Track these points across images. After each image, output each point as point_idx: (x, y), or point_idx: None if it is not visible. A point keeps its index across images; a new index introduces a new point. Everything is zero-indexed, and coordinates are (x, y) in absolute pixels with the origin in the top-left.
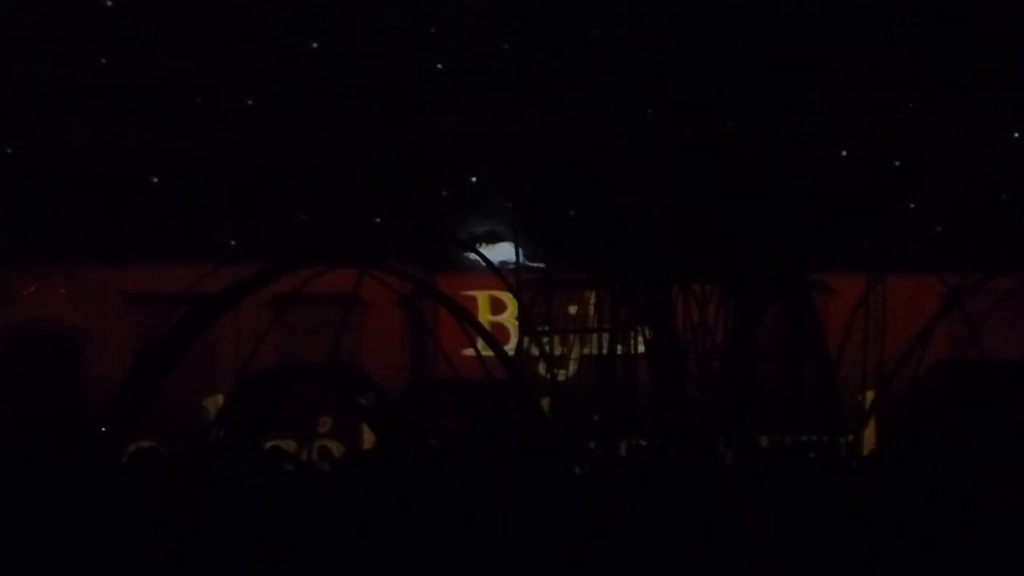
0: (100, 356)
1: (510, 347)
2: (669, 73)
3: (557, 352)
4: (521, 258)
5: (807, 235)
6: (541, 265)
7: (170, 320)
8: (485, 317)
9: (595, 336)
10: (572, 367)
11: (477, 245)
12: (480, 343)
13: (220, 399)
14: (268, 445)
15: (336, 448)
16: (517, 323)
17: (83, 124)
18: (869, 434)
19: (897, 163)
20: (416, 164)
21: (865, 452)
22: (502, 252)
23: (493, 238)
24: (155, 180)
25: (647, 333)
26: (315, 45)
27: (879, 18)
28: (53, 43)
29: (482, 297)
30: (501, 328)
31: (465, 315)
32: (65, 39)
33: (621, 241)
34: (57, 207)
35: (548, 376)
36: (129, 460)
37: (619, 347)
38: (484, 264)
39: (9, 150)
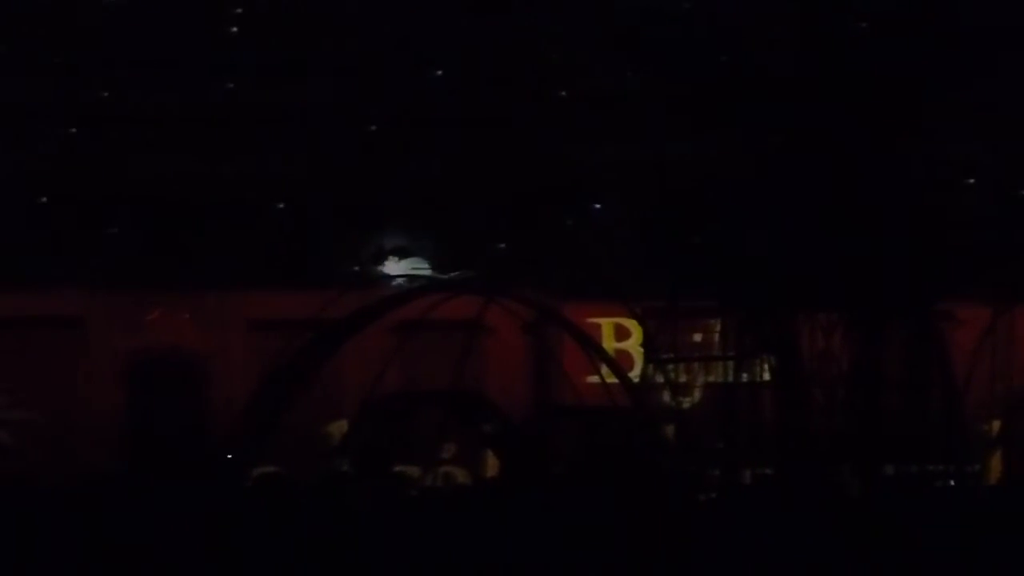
0: (224, 382)
1: (634, 374)
2: (796, 100)
3: (681, 380)
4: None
5: (933, 264)
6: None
7: (294, 346)
8: (609, 344)
9: (720, 364)
10: (696, 395)
11: (386, 260)
12: (604, 370)
13: (344, 425)
14: (393, 471)
15: (460, 474)
16: (641, 350)
17: (205, 151)
18: (995, 463)
19: None
20: (540, 192)
21: (991, 481)
22: (409, 267)
23: (402, 253)
24: (280, 206)
25: (772, 361)
26: (439, 72)
27: (1007, 42)
28: (187, 69)
29: (606, 324)
30: (625, 355)
31: (590, 342)
32: (197, 65)
33: (746, 269)
34: (180, 233)
35: (672, 404)
36: (254, 486)
37: (744, 375)
38: (608, 292)
39: (135, 177)
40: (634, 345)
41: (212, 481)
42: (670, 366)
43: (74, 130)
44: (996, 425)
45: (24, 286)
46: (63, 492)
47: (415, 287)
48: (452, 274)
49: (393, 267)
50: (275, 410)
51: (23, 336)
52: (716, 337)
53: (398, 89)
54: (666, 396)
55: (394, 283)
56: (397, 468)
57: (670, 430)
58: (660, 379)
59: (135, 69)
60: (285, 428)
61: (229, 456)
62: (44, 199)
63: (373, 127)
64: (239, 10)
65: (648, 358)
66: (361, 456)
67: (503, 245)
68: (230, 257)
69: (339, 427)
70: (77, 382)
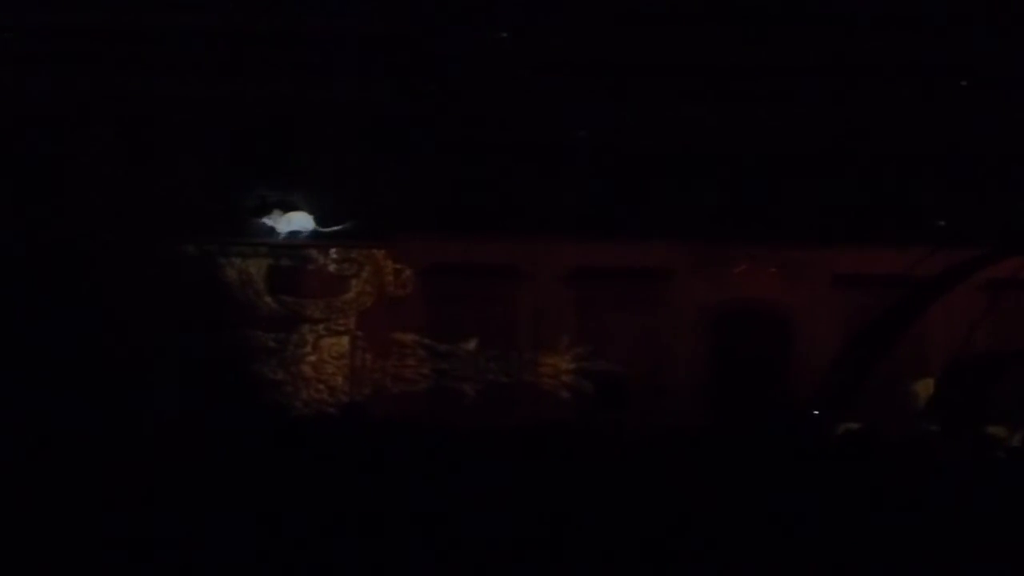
0: (808, 336)
1: None
2: None
3: None
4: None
5: None
6: None
7: (881, 303)
8: None
9: None
10: None
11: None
12: None
13: (930, 384)
14: (980, 431)
15: None
16: None
17: (794, 104)
18: None
19: None
20: None
21: None
22: (295, 222)
23: (285, 207)
24: (869, 160)
25: None
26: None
27: None
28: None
29: None
30: None
31: None
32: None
33: None
34: (767, 185)
35: None
36: (839, 441)
37: None
38: None
39: (721, 131)
40: None
41: (796, 436)
42: None
43: (661, 86)
44: None
45: (612, 238)
46: (646, 441)
47: (1006, 246)
48: None
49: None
50: (862, 366)
51: (609, 288)
52: None
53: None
54: None
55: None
56: (984, 428)
57: None
58: None
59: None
60: (869, 384)
61: (814, 411)
62: (633, 153)
63: (963, 82)
64: None
65: None
66: (948, 415)
67: None
68: (819, 211)
69: (925, 385)
70: (661, 333)
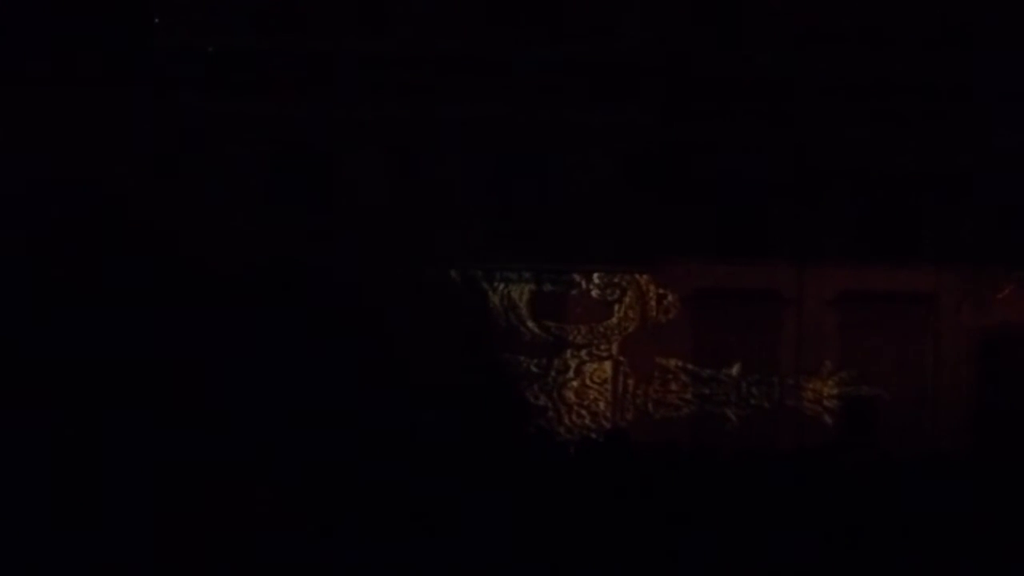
0: None
1: None
2: None
3: None
4: None
5: None
6: None
7: None
8: None
9: None
10: None
11: None
12: None
13: None
14: None
15: None
16: None
17: None
18: None
19: None
20: None
21: None
22: None
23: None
24: None
25: None
26: None
27: None
28: None
29: None
30: None
31: None
32: None
33: None
34: None
35: None
36: None
37: None
38: None
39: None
40: None
41: None
42: None
43: (927, 109)
44: None
45: (877, 262)
46: (911, 467)
47: None
48: None
49: None
50: None
51: (874, 312)
52: None
53: None
54: None
55: None
56: None
57: None
58: None
59: None
60: None
61: None
62: (898, 176)
63: None
64: None
65: None
66: None
67: None
68: None
69: None
70: (924, 358)
